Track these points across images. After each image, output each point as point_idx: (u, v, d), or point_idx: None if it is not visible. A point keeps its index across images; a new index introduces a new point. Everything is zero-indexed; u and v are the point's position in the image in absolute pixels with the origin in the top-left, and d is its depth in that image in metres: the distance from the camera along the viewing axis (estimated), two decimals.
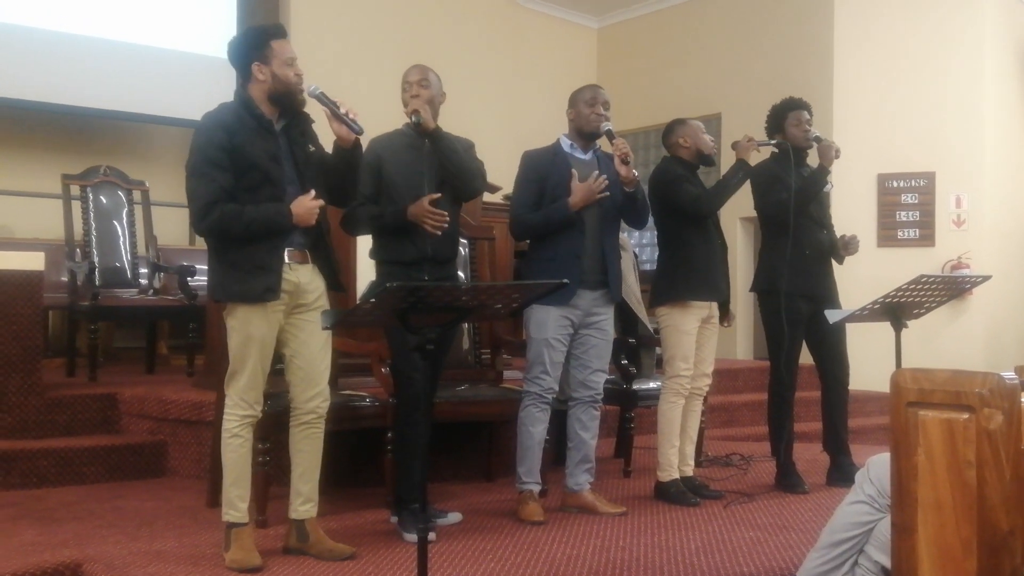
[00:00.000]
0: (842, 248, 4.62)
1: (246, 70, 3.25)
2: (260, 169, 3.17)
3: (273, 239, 3.17)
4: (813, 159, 4.59)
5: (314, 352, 3.31)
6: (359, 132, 3.17)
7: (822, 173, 4.48)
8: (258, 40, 3.24)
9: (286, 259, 3.21)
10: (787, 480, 4.50)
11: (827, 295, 4.54)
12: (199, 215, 3.15)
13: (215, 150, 3.14)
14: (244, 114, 3.22)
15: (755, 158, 4.46)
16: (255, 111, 3.22)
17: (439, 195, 3.65)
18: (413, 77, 3.74)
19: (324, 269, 3.32)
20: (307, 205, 3.16)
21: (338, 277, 3.35)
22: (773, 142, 4.59)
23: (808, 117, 4.58)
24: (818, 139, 4.50)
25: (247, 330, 3.18)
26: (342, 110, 3.16)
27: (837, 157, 4.47)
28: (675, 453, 4.30)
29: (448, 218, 3.65)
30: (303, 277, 3.26)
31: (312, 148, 3.31)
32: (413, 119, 3.63)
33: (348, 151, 3.25)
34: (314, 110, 3.29)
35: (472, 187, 3.81)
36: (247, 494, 3.28)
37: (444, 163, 3.69)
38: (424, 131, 3.66)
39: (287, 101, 3.23)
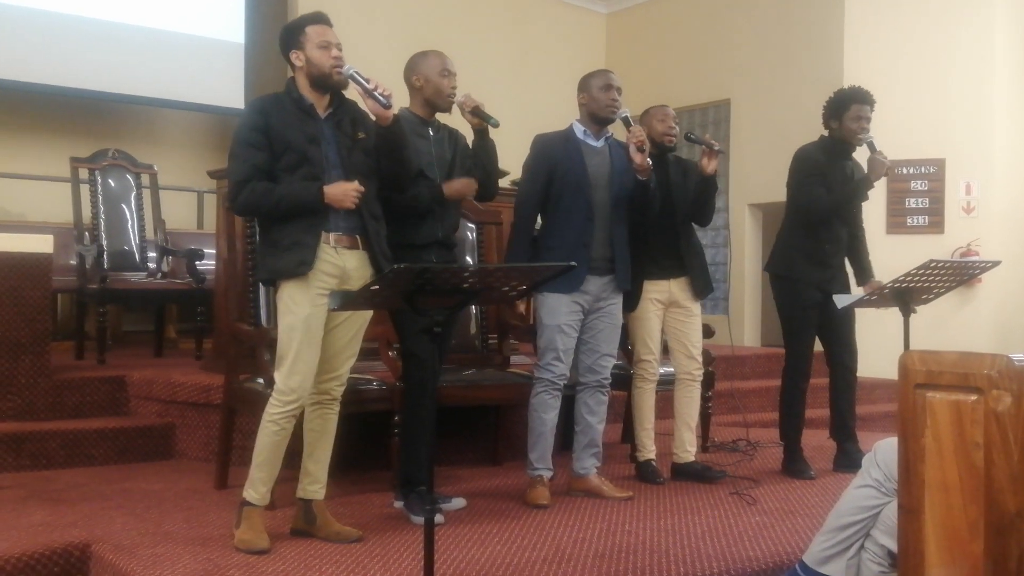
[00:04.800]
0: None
1: (288, 59, 3.31)
2: (296, 150, 3.21)
3: (310, 218, 3.19)
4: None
5: (344, 340, 3.33)
6: (385, 105, 3.20)
7: (865, 186, 4.39)
8: (295, 28, 3.30)
9: (331, 243, 3.23)
10: (794, 466, 4.50)
11: (839, 290, 4.47)
12: (232, 194, 3.25)
13: (250, 132, 3.22)
14: (285, 98, 3.29)
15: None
16: (294, 94, 3.28)
17: (472, 180, 3.76)
18: (454, 68, 3.77)
19: (372, 256, 3.32)
20: (344, 188, 3.18)
21: (382, 265, 3.31)
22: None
23: (870, 114, 4.44)
24: (872, 146, 4.36)
25: (293, 310, 3.20)
26: (371, 85, 3.18)
27: (886, 175, 4.37)
28: (647, 435, 4.37)
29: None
30: (350, 263, 3.26)
31: (363, 135, 3.33)
32: (492, 122, 3.67)
33: (385, 128, 3.27)
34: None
35: (496, 189, 3.94)
36: (271, 480, 3.29)
37: (484, 162, 3.78)
38: (482, 127, 3.71)
39: (324, 84, 3.26)
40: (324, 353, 3.31)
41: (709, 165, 4.25)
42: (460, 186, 3.72)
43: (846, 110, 4.45)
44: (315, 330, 3.21)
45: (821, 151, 4.52)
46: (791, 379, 4.56)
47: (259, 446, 3.26)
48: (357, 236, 3.29)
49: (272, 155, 3.21)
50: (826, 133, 4.58)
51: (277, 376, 3.24)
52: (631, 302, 4.26)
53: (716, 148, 4.24)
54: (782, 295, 4.56)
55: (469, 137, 3.87)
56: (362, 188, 3.21)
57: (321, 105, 3.30)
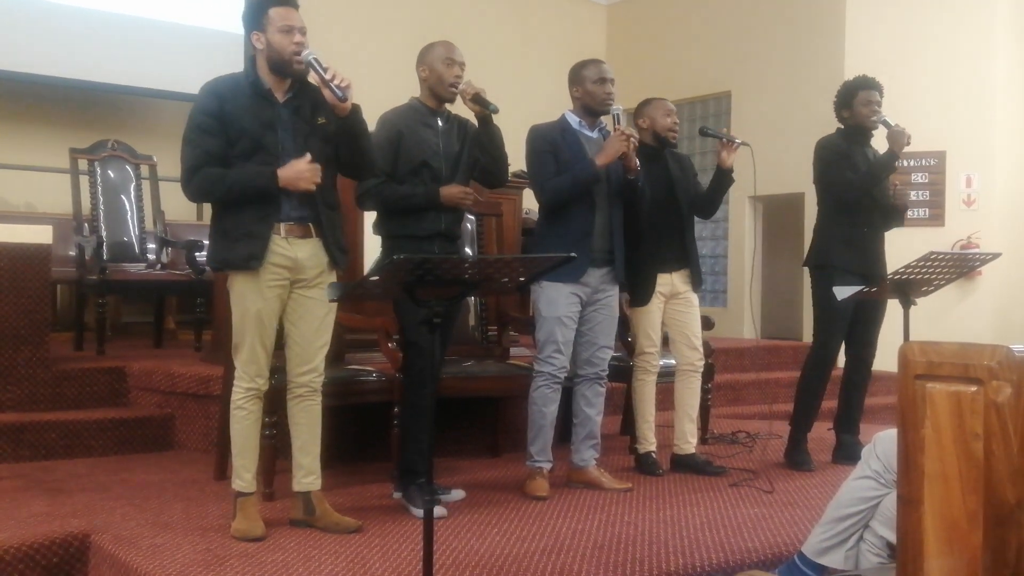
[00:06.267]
0: (896, 201, 4.54)
1: (249, 40, 3.23)
2: (251, 136, 3.15)
3: (263, 207, 3.15)
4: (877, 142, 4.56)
5: (311, 329, 3.30)
6: (341, 98, 3.11)
7: (891, 158, 4.39)
8: (257, 9, 3.20)
9: (283, 233, 3.19)
10: (797, 456, 4.48)
11: (881, 275, 4.42)
12: (184, 179, 3.19)
13: (204, 116, 3.16)
14: (242, 82, 3.22)
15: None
16: (251, 78, 3.21)
17: (470, 190, 3.72)
18: (460, 58, 3.72)
19: (326, 245, 3.28)
20: (297, 167, 3.12)
21: (335, 255, 3.29)
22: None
23: (879, 98, 4.49)
24: (887, 124, 4.42)
25: (243, 303, 3.19)
26: (328, 75, 3.10)
27: (908, 144, 4.38)
28: (648, 427, 4.38)
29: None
30: (302, 253, 3.22)
31: (323, 121, 3.26)
32: (491, 108, 3.62)
33: (342, 119, 3.20)
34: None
35: (505, 176, 3.88)
36: (253, 465, 3.30)
37: (489, 148, 3.73)
38: (484, 114, 3.66)
39: (283, 70, 3.19)
40: (295, 347, 3.31)
41: (728, 158, 4.26)
42: (458, 194, 3.67)
43: (854, 97, 4.50)
44: (267, 322, 3.21)
45: (841, 139, 4.55)
46: (815, 369, 4.54)
47: (233, 435, 3.29)
48: (310, 225, 3.24)
49: (226, 141, 3.15)
50: (840, 127, 4.60)
51: (236, 361, 3.26)
52: (643, 296, 4.26)
53: (738, 142, 4.25)
54: (821, 286, 4.49)
55: None
56: (317, 165, 3.14)
57: (280, 89, 3.23)
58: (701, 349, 4.44)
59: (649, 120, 4.35)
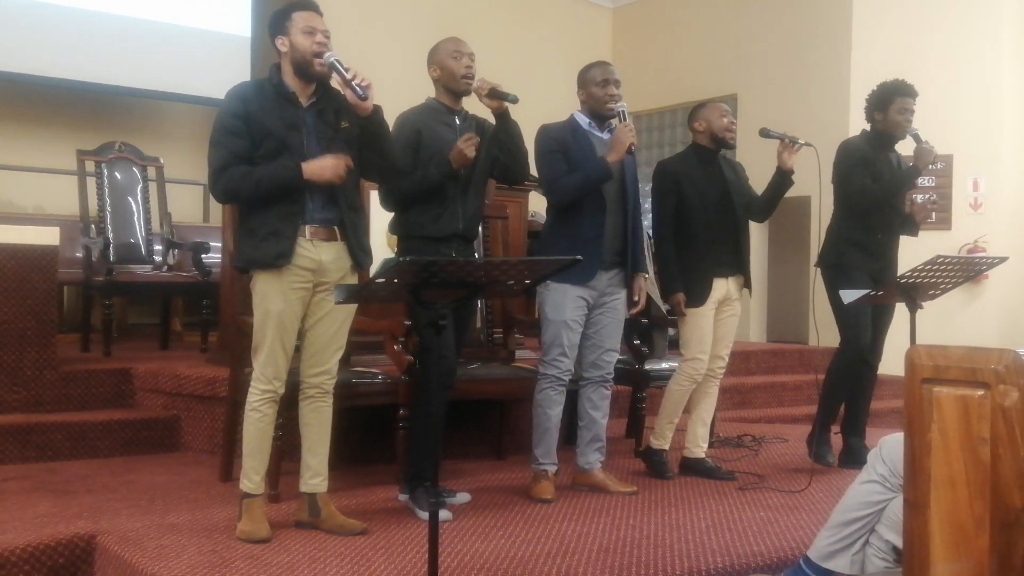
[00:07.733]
0: (914, 215, 4.50)
1: (274, 46, 3.28)
2: (276, 137, 3.19)
3: (288, 206, 3.18)
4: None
5: (329, 332, 3.32)
6: (362, 97, 3.15)
7: (914, 174, 4.36)
8: (281, 14, 3.27)
9: (308, 236, 3.21)
10: (820, 448, 4.45)
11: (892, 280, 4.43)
12: (212, 180, 3.22)
13: (230, 118, 3.20)
14: (266, 85, 3.27)
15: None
16: (275, 81, 3.25)
17: (470, 134, 3.64)
18: (468, 49, 3.71)
19: (350, 248, 3.30)
20: (321, 160, 3.15)
21: (358, 256, 3.32)
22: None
23: (913, 107, 4.44)
24: (917, 138, 4.37)
25: (265, 305, 3.20)
26: (350, 75, 3.14)
27: (934, 164, 4.34)
28: (671, 428, 4.36)
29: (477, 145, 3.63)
30: (326, 256, 3.25)
31: (346, 124, 3.29)
32: (510, 98, 3.57)
33: (365, 120, 3.23)
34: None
35: (526, 170, 3.85)
36: (262, 467, 3.31)
37: (508, 144, 3.70)
38: (502, 109, 3.63)
39: (306, 71, 3.22)
40: (311, 348, 3.32)
41: (790, 159, 4.24)
42: (460, 145, 3.58)
43: (891, 103, 4.45)
44: (288, 325, 3.22)
45: (866, 143, 4.51)
46: (846, 366, 4.47)
47: (246, 436, 3.30)
48: (335, 228, 3.27)
49: (252, 142, 3.19)
50: (868, 127, 4.57)
51: (254, 363, 3.26)
52: (699, 298, 4.24)
53: (801, 143, 4.20)
54: (835, 285, 4.43)
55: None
56: (334, 159, 3.16)
57: (304, 94, 3.27)
58: (727, 357, 4.43)
59: (705, 123, 4.32)
